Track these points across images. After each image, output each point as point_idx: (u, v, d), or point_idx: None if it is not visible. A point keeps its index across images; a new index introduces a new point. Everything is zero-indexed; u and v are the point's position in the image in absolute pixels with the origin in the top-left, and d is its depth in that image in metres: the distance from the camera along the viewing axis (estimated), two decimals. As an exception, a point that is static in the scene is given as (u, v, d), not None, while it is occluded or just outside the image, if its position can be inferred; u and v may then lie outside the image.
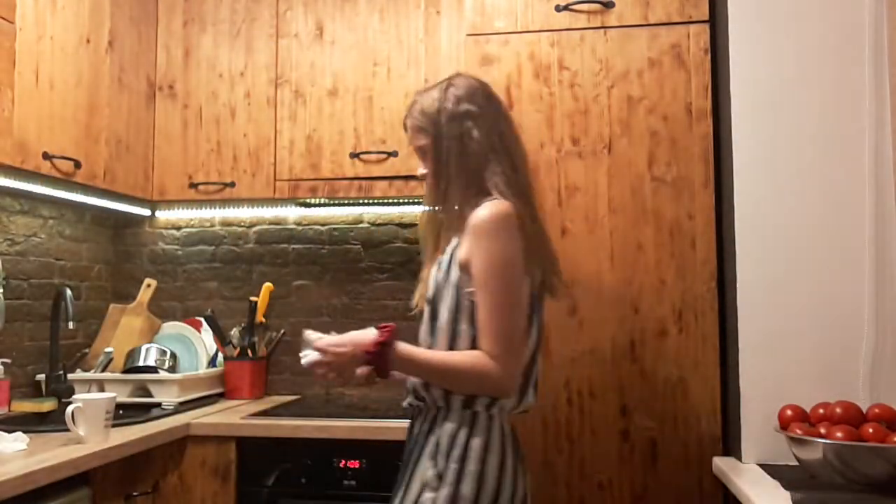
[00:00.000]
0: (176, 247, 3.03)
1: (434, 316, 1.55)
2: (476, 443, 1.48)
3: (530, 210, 1.55)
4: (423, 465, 1.51)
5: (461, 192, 1.55)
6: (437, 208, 1.62)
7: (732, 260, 1.89)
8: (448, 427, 1.50)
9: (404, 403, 1.61)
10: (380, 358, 1.48)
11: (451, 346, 1.51)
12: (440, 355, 1.49)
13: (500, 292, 1.45)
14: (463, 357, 1.47)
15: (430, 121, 1.57)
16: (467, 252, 1.49)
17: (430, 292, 1.56)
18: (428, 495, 1.46)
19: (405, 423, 2.16)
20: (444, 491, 1.45)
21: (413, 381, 1.57)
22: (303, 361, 1.53)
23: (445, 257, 1.56)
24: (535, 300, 1.56)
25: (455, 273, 1.51)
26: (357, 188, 2.58)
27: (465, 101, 1.56)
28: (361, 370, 1.55)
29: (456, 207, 1.57)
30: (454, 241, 1.56)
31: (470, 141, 1.54)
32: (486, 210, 1.48)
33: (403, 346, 1.49)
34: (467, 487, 1.44)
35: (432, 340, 1.54)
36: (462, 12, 2.38)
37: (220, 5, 2.72)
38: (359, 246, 2.90)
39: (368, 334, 1.50)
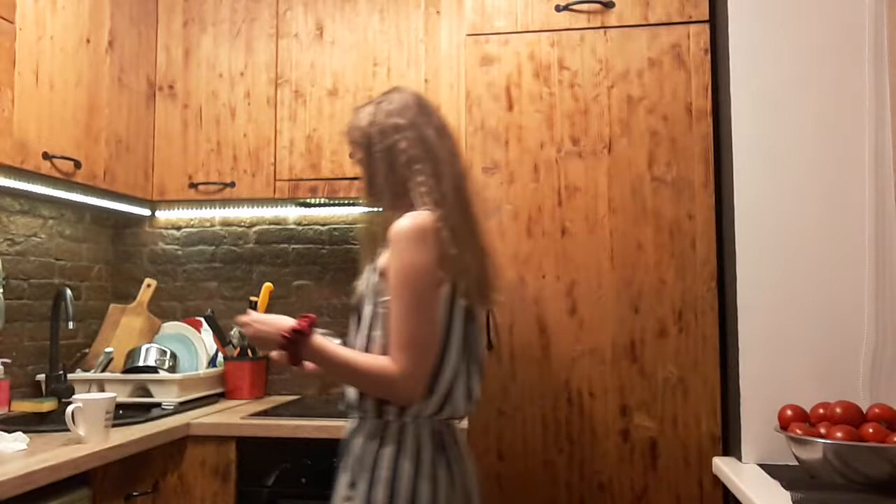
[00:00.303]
0: (176, 247, 3.03)
1: (358, 321, 1.61)
2: (387, 451, 1.51)
3: (456, 219, 1.56)
4: (342, 474, 1.57)
5: (390, 202, 1.62)
6: (369, 216, 1.70)
7: (732, 260, 1.89)
8: (362, 434, 1.56)
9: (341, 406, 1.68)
10: (292, 344, 1.51)
11: (366, 352, 1.55)
12: (348, 353, 1.53)
13: (409, 301, 1.48)
14: (368, 359, 1.51)
15: (363, 134, 1.65)
16: (386, 260, 1.54)
17: (355, 299, 1.63)
18: None
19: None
20: (358, 500, 1.50)
21: (345, 387, 1.63)
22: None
23: (370, 266, 1.63)
24: (455, 309, 1.55)
25: (374, 281, 1.58)
26: (357, 188, 2.58)
27: (395, 115, 1.62)
28: (277, 354, 1.58)
29: (389, 215, 1.63)
30: (381, 250, 1.62)
31: (397, 153, 1.60)
32: (406, 220, 1.52)
33: (318, 338, 1.53)
34: (380, 494, 1.48)
35: (355, 345, 1.59)
36: (462, 12, 2.38)
37: (220, 5, 2.73)
38: (359, 246, 2.90)
39: (289, 320, 1.55)
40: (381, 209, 1.66)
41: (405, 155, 1.60)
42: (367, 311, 1.57)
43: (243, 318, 1.60)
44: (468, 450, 1.65)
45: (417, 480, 1.48)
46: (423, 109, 1.66)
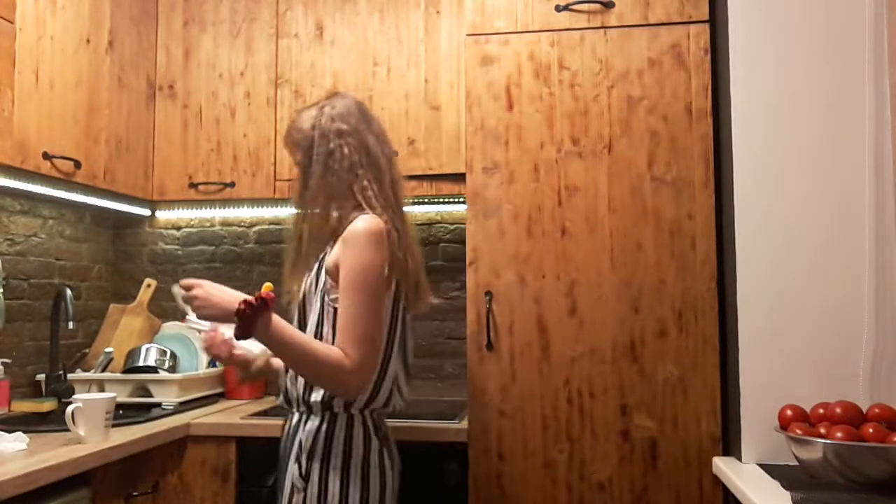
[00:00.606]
0: (176, 247, 3.03)
1: (303, 321, 1.65)
2: (337, 441, 1.57)
3: (399, 224, 1.66)
4: (291, 467, 1.60)
5: (324, 204, 1.66)
6: (301, 217, 1.70)
7: (732, 260, 1.89)
8: (310, 427, 1.60)
9: (277, 401, 1.71)
10: (248, 315, 1.47)
11: None
12: (303, 337, 1.52)
13: (363, 299, 1.53)
14: (323, 347, 1.53)
15: (304, 137, 1.69)
16: (335, 259, 1.59)
17: (300, 298, 1.68)
18: (297, 497, 1.56)
19: (405, 422, 2.18)
20: (311, 490, 1.54)
21: (282, 380, 1.68)
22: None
23: (316, 266, 1.67)
24: (397, 311, 1.66)
25: (322, 279, 1.62)
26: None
27: (338, 120, 1.67)
28: (224, 338, 1.62)
29: (323, 217, 1.68)
30: (327, 251, 1.66)
31: (339, 157, 1.65)
32: (362, 223, 1.58)
33: (275, 316, 1.51)
34: (334, 485, 1.54)
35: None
36: (462, 12, 2.38)
37: (220, 5, 2.73)
38: (359, 246, 2.90)
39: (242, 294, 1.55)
40: (312, 210, 1.67)
41: (348, 160, 1.65)
42: (314, 309, 1.63)
43: (187, 281, 1.55)
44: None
45: (367, 471, 1.57)
46: (364, 116, 1.73)
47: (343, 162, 1.65)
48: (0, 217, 2.43)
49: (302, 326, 1.66)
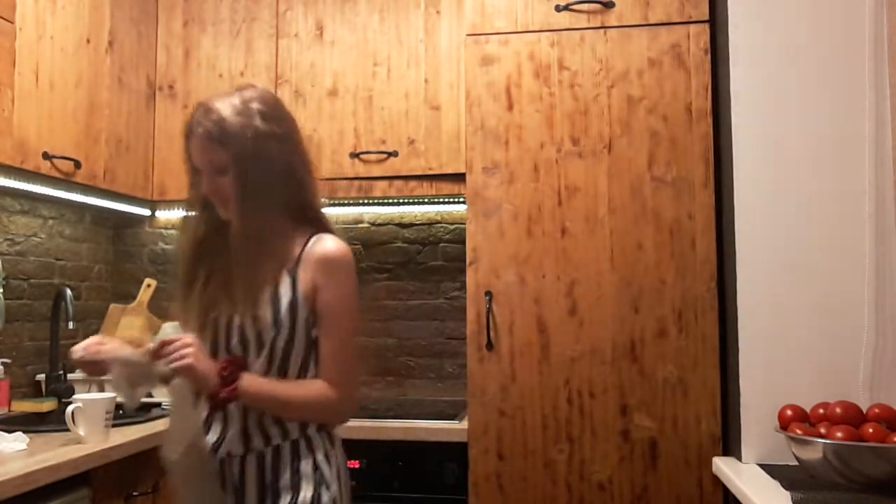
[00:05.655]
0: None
1: (270, 349, 1.44)
2: (318, 459, 1.47)
3: None
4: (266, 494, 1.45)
5: (270, 219, 1.46)
6: (235, 232, 1.46)
7: (732, 260, 1.89)
8: (319, 449, 1.47)
9: (221, 453, 1.47)
10: (230, 381, 1.39)
11: (283, 378, 1.46)
12: (285, 387, 1.44)
13: (350, 328, 1.48)
14: (306, 389, 1.45)
15: (232, 135, 1.41)
16: (312, 284, 1.45)
17: (266, 326, 1.43)
18: None
19: (405, 423, 2.18)
20: None
21: (240, 426, 1.45)
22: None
23: (285, 290, 1.44)
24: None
25: (299, 311, 1.44)
26: (357, 188, 2.58)
27: (271, 121, 1.45)
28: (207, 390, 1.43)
29: (274, 237, 1.47)
30: (284, 276, 1.45)
31: (283, 165, 1.46)
32: (335, 245, 1.47)
33: (249, 375, 1.42)
34: (321, 498, 1.44)
35: (268, 371, 1.45)
36: (462, 12, 2.38)
37: (220, 5, 2.72)
38: (359, 246, 2.90)
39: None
40: (255, 228, 1.44)
41: (291, 168, 1.48)
42: (281, 338, 1.43)
43: (179, 340, 1.40)
44: None
45: (341, 485, 1.49)
46: (289, 115, 1.53)
47: (288, 170, 1.47)
48: (0, 217, 2.43)
49: (271, 356, 1.44)
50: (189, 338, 1.41)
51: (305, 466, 1.45)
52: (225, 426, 1.47)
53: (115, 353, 1.46)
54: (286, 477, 1.44)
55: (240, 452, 1.46)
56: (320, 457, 1.47)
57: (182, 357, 1.38)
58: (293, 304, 1.44)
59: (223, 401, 1.41)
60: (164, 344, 1.42)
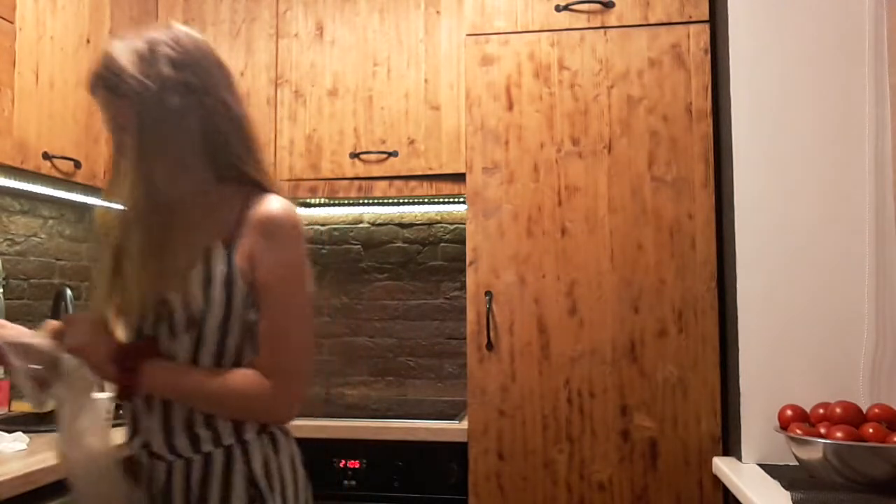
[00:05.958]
0: (176, 247, 3.02)
1: (199, 331, 1.22)
2: (286, 462, 1.28)
3: None
4: None
5: (187, 181, 1.26)
6: (139, 198, 1.25)
7: (732, 260, 1.89)
8: (257, 458, 1.24)
9: (142, 458, 1.29)
10: (132, 358, 1.22)
11: (218, 365, 1.23)
12: (202, 374, 1.22)
13: (294, 303, 1.23)
14: (233, 377, 1.21)
15: (131, 86, 1.20)
16: (249, 252, 1.22)
17: (196, 304, 1.20)
18: None
19: (405, 423, 2.18)
20: None
21: (160, 424, 1.26)
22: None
23: (217, 263, 1.22)
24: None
25: (236, 288, 1.21)
26: (357, 188, 2.58)
27: (184, 69, 1.23)
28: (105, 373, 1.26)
29: (201, 200, 1.27)
30: (218, 245, 1.23)
31: (199, 120, 1.25)
32: (280, 206, 1.24)
33: (156, 365, 1.23)
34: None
35: (197, 358, 1.23)
36: (462, 12, 2.38)
37: (220, 5, 2.72)
38: (359, 246, 2.90)
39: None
40: (149, 191, 1.24)
41: (206, 121, 1.26)
42: (213, 317, 1.20)
43: (79, 318, 1.26)
44: None
45: (285, 499, 1.26)
46: (215, 61, 1.30)
47: (205, 125, 1.25)
48: (0, 217, 2.43)
49: (199, 336, 1.22)
50: (89, 315, 1.24)
51: (238, 480, 1.22)
52: (142, 420, 1.28)
53: (14, 338, 1.25)
54: (215, 493, 1.22)
55: (164, 454, 1.25)
56: (257, 468, 1.23)
57: (74, 337, 1.21)
58: (229, 278, 1.20)
59: (125, 390, 1.23)
60: (67, 323, 1.24)
